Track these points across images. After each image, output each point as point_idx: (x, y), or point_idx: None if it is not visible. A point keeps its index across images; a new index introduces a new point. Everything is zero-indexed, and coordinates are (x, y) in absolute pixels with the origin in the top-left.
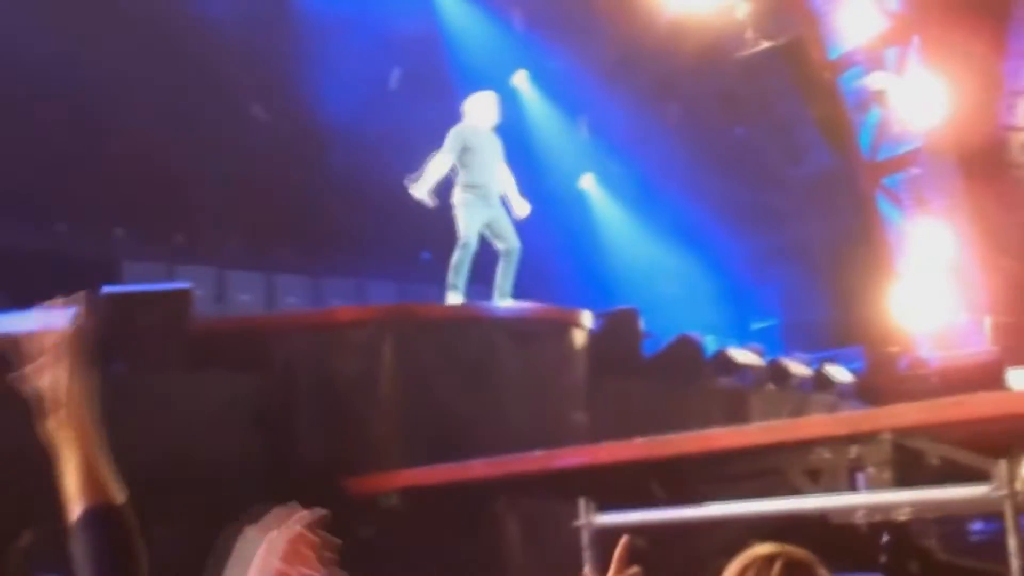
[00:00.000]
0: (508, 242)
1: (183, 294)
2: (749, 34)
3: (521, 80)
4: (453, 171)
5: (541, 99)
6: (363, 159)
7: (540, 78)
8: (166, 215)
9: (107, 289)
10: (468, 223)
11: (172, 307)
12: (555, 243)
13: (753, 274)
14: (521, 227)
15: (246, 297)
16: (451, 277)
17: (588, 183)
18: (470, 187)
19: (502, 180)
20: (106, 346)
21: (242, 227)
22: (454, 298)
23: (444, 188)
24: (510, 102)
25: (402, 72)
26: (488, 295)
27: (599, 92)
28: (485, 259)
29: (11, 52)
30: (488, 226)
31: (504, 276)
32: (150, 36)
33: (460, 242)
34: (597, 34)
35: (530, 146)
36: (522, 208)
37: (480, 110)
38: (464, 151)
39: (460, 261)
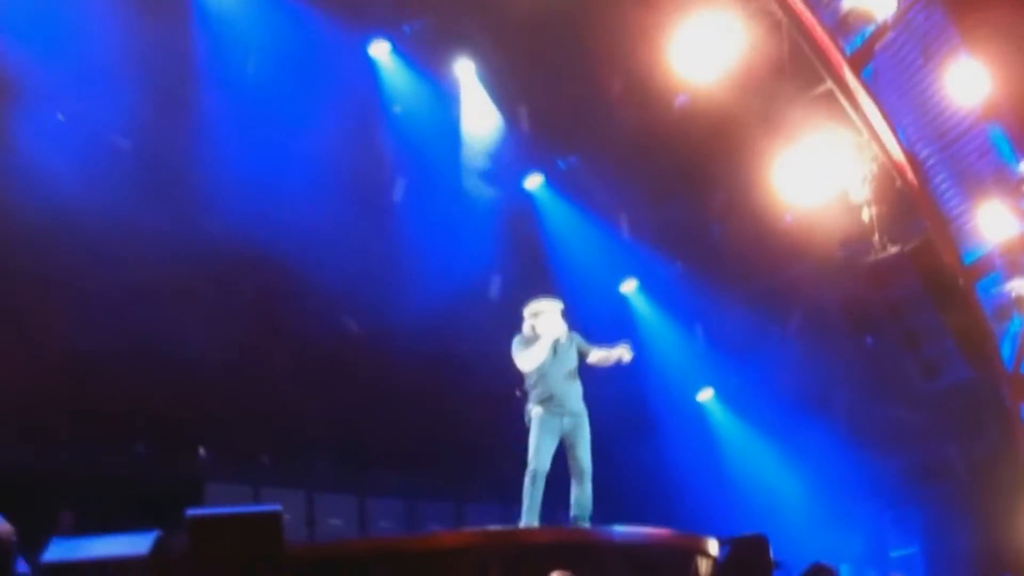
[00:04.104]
0: (580, 462)
1: (273, 517)
2: (876, 238)
3: (631, 288)
4: (524, 386)
5: (652, 307)
6: (460, 373)
7: (650, 285)
8: (252, 435)
9: (192, 512)
10: (537, 441)
11: (263, 531)
12: (674, 461)
13: (889, 497)
14: (635, 445)
15: (337, 521)
16: (524, 503)
17: (707, 397)
18: (542, 400)
19: (579, 388)
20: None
21: (332, 447)
22: (527, 523)
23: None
24: (621, 308)
25: (503, 279)
26: (601, 520)
27: (714, 299)
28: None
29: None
30: (562, 442)
31: (577, 502)
32: (237, 247)
33: (529, 466)
34: (712, 240)
35: (643, 357)
36: (626, 352)
37: (547, 318)
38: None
39: (529, 484)
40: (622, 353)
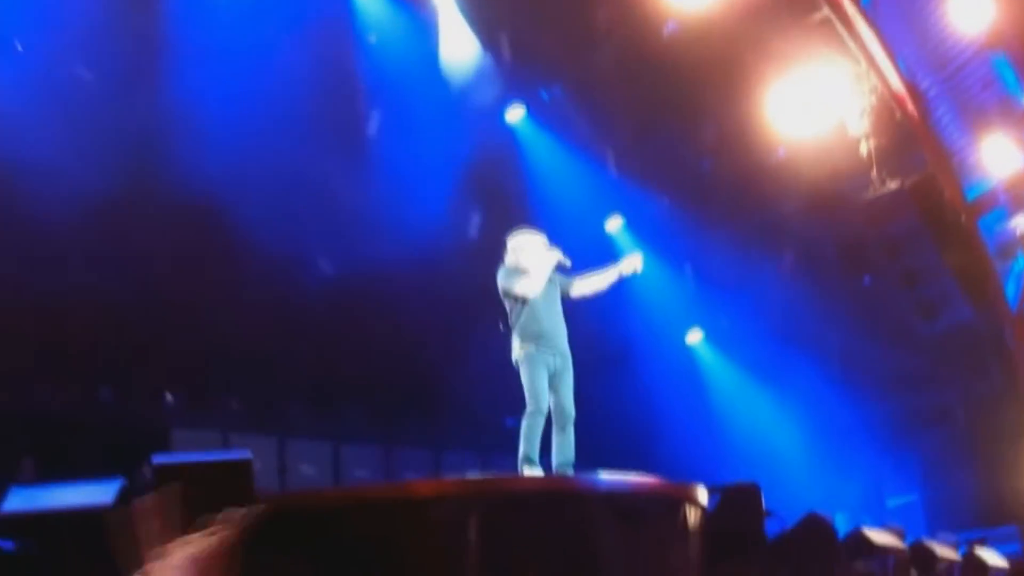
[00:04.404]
0: (563, 407)
1: (243, 465)
2: (875, 173)
3: (616, 226)
4: (507, 323)
5: (639, 245)
6: (438, 317)
7: (637, 223)
8: (221, 379)
9: (157, 459)
10: (535, 381)
11: (231, 480)
12: (664, 406)
13: (887, 443)
14: (623, 390)
15: (310, 469)
16: (523, 448)
17: (696, 340)
18: (531, 337)
19: (564, 324)
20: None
21: (305, 392)
22: (530, 471)
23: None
24: (606, 249)
25: (483, 219)
26: (586, 467)
27: (704, 236)
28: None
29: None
30: (549, 380)
31: (559, 449)
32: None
33: (529, 407)
34: (702, 175)
35: (629, 300)
36: (636, 261)
37: (530, 249)
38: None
39: (530, 428)
40: (632, 264)
